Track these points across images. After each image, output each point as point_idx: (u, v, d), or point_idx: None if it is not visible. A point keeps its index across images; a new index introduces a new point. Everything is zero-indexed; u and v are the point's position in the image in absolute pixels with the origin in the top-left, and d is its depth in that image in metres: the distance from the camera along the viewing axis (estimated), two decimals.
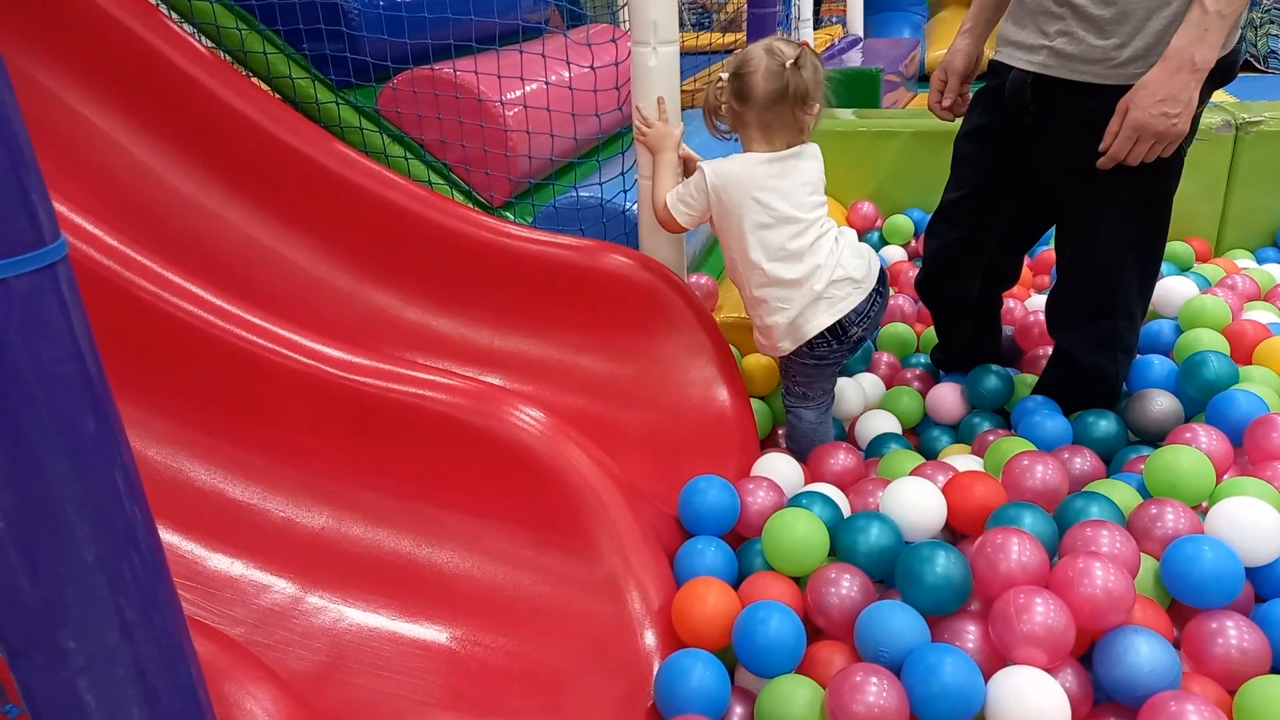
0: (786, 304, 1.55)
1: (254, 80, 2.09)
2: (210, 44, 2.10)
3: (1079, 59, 1.44)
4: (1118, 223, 1.52)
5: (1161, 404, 1.65)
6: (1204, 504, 1.39)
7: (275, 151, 1.93)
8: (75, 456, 0.58)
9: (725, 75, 1.57)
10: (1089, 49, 1.42)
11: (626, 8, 1.71)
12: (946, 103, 1.75)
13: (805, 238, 1.54)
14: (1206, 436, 1.47)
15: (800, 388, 1.67)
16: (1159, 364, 1.78)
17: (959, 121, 1.76)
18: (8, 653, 0.60)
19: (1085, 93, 1.44)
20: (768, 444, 1.82)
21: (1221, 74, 1.43)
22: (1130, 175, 1.43)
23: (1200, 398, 1.67)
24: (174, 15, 2.09)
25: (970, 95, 1.75)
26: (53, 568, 0.59)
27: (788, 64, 1.50)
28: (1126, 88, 1.39)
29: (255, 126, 1.94)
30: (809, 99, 1.54)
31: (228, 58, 2.12)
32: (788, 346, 1.59)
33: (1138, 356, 1.78)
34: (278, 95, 2.12)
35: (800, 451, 1.70)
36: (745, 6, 2.99)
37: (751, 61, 1.52)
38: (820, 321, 1.55)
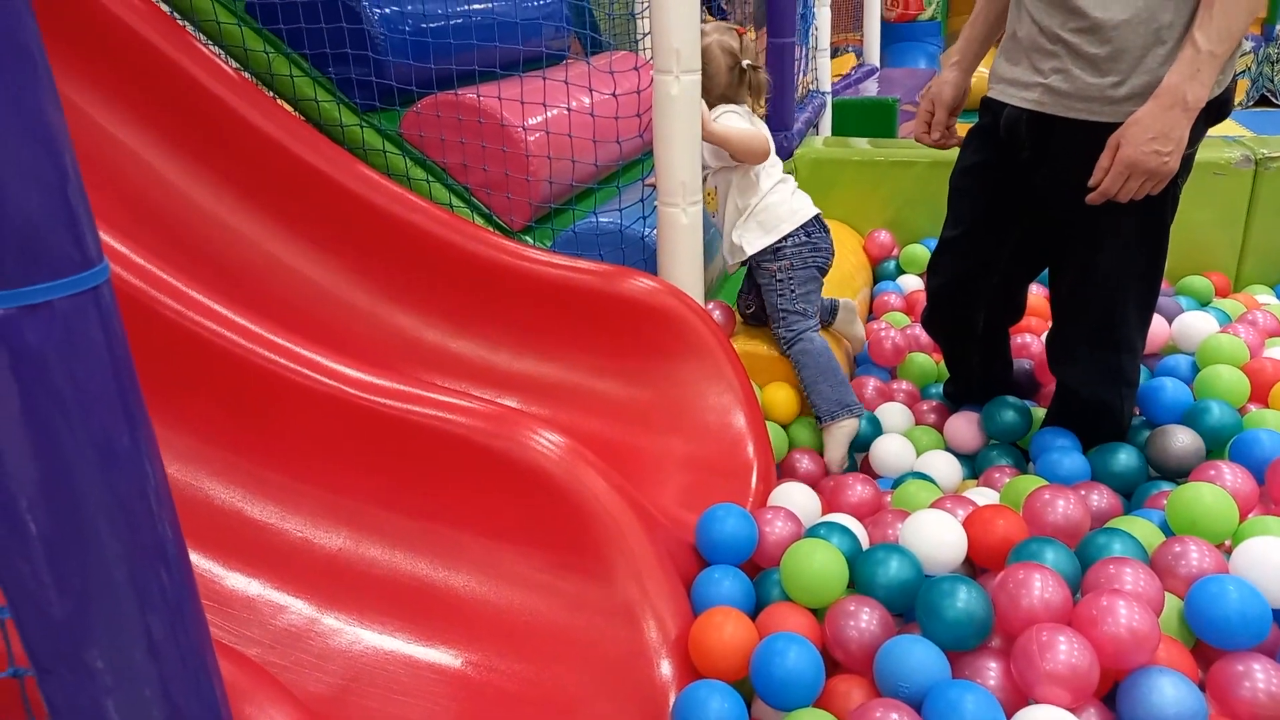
0: (788, 180, 1.93)
1: (280, 103, 2.12)
2: (238, 66, 2.13)
3: (1075, 96, 1.44)
4: (1115, 257, 1.52)
5: (1183, 440, 1.64)
6: (1227, 543, 1.38)
7: (300, 173, 1.95)
8: (109, 475, 0.58)
9: None
10: (1085, 86, 1.43)
11: (648, 37, 1.73)
12: (935, 135, 1.76)
13: None
14: (1230, 474, 1.45)
15: (801, 303, 1.88)
16: (1181, 399, 1.77)
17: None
18: (37, 669, 0.60)
19: (1081, 129, 1.44)
20: (785, 471, 1.81)
21: (1216, 111, 1.43)
22: (1127, 209, 1.43)
23: (1208, 445, 1.67)
24: (203, 38, 2.12)
25: (956, 127, 1.76)
26: (84, 585, 0.59)
27: (745, 65, 1.90)
28: (1122, 124, 1.39)
29: (280, 148, 1.96)
30: (763, 92, 1.96)
31: (255, 80, 2.15)
32: (798, 221, 1.88)
33: (1168, 387, 1.77)
34: (303, 118, 2.14)
35: (828, 385, 1.82)
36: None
37: (713, 63, 1.85)
38: (808, 204, 1.92)
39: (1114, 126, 1.40)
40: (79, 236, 0.54)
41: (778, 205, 1.89)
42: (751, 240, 1.89)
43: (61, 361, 0.54)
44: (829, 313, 2.09)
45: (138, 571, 0.61)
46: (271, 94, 2.15)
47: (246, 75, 2.12)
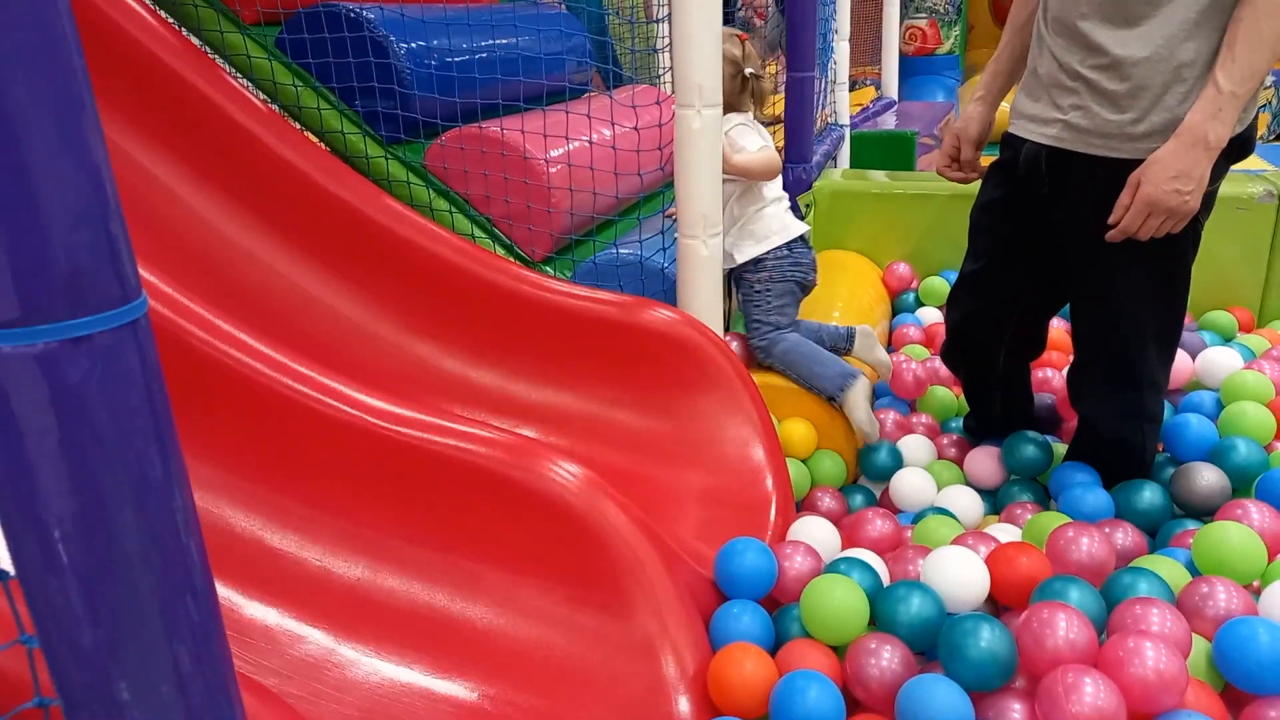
0: (783, 198, 2.02)
1: (307, 135, 2.15)
2: (266, 99, 2.17)
3: (1093, 132, 1.44)
4: (1135, 294, 1.51)
5: (1208, 478, 1.62)
6: (1256, 584, 1.35)
7: (325, 203, 1.98)
8: (142, 505, 0.59)
9: None
10: (1104, 123, 1.42)
11: (669, 72, 1.76)
12: (965, 172, 1.76)
13: None
14: (1258, 513, 1.43)
15: (775, 314, 1.94)
16: (1206, 436, 1.75)
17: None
18: (65, 701, 0.60)
19: (1100, 165, 1.44)
20: (805, 507, 1.80)
21: (1238, 149, 1.42)
22: (1147, 245, 1.43)
23: (1234, 483, 1.65)
24: (234, 71, 2.17)
25: (981, 161, 1.77)
26: (114, 615, 0.59)
27: (748, 73, 1.96)
28: (1141, 161, 1.39)
29: (307, 179, 1.99)
30: (765, 100, 2.03)
31: (283, 113, 2.19)
32: (787, 236, 1.96)
33: (1192, 423, 1.75)
34: (329, 149, 2.18)
35: (822, 367, 1.88)
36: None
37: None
38: (797, 223, 2.01)
39: (1132, 163, 1.40)
40: (120, 271, 0.55)
41: (771, 218, 1.97)
42: (743, 249, 1.97)
43: (100, 394, 0.55)
44: (845, 340, 2.07)
45: (167, 601, 0.61)
46: (299, 126, 2.19)
47: (275, 108, 2.16)
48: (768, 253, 1.95)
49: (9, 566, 0.59)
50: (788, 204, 2.04)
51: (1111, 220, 1.41)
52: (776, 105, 2.76)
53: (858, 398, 1.87)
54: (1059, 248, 1.60)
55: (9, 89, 0.49)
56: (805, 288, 2.02)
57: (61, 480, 0.55)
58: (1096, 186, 1.44)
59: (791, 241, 1.97)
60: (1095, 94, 1.42)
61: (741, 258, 1.96)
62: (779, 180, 2.03)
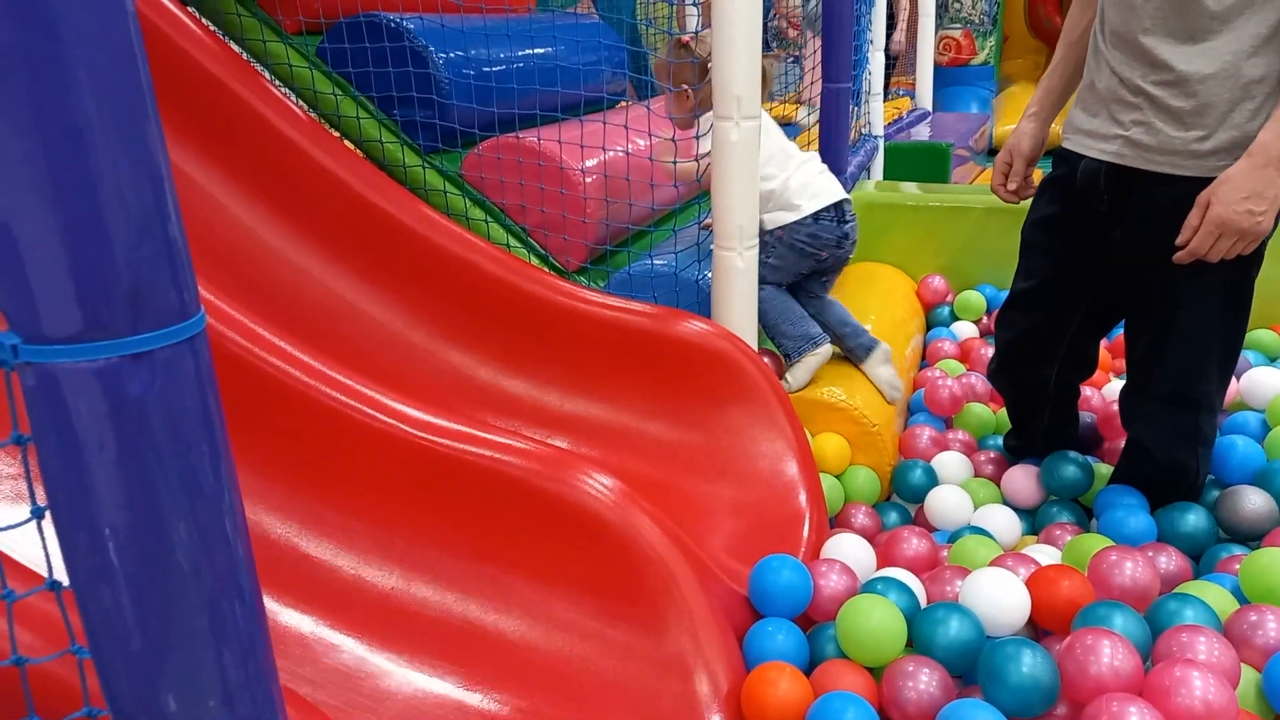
0: (811, 160, 2.00)
1: (346, 143, 2.17)
2: (306, 107, 2.19)
3: (1157, 150, 1.41)
4: (1197, 313, 1.47)
5: (1255, 502, 1.58)
6: None
7: (363, 211, 2.00)
8: (196, 517, 0.60)
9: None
10: (1168, 139, 1.39)
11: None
12: (1012, 186, 1.73)
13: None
14: None
15: (765, 269, 1.90)
16: (1253, 458, 1.71)
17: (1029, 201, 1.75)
18: (114, 715, 0.60)
19: (1163, 182, 1.41)
20: (838, 523, 1.78)
21: None
22: (1209, 265, 1.39)
23: None
24: (274, 79, 2.20)
25: (1034, 178, 1.74)
26: (165, 628, 0.60)
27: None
28: (1208, 179, 1.35)
29: (345, 187, 2.01)
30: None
31: (322, 121, 2.21)
32: (818, 205, 1.93)
33: (1238, 445, 1.71)
34: (367, 158, 2.19)
35: (789, 324, 1.94)
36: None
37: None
38: (832, 189, 1.96)
39: (1198, 180, 1.36)
40: (180, 286, 0.55)
41: (799, 189, 1.94)
42: (772, 218, 1.95)
43: (158, 408, 0.55)
44: (866, 348, 2.03)
45: (216, 611, 0.62)
46: (338, 135, 2.21)
47: (315, 116, 2.18)
48: (796, 221, 1.93)
49: (63, 576, 0.60)
50: (821, 168, 2.00)
51: (1180, 241, 1.38)
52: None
53: (814, 361, 1.93)
54: (1116, 266, 1.56)
55: (78, 102, 0.50)
56: (818, 260, 1.96)
57: (117, 491, 0.56)
58: (1159, 204, 1.41)
59: (821, 210, 1.93)
60: (1159, 110, 1.39)
61: (772, 225, 1.95)
62: (791, 153, 1.98)
